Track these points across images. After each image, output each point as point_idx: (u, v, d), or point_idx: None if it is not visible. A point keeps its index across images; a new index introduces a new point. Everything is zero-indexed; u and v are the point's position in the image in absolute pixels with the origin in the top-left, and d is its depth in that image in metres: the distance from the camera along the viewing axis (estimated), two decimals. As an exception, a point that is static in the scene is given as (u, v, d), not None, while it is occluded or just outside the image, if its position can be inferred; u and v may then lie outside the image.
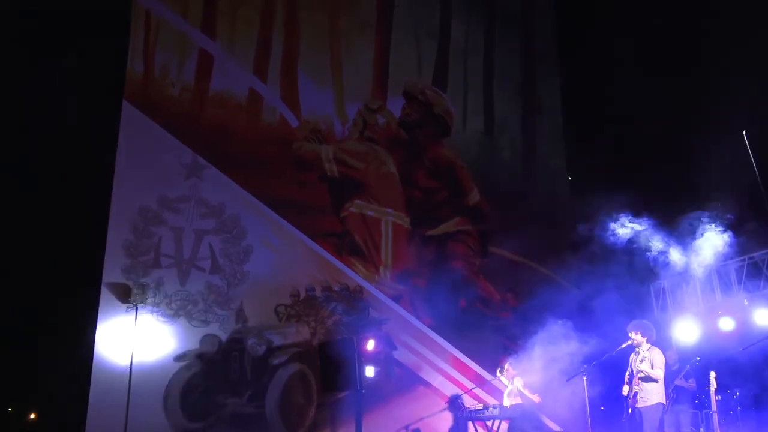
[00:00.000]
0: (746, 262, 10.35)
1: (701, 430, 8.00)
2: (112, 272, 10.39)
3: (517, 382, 10.01)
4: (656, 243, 9.95)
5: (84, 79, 10.96)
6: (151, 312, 10.38)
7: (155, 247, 10.74)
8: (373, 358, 10.62)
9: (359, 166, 12.10)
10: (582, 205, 12.35)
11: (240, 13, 12.12)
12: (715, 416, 8.08)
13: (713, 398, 8.29)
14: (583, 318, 10.45)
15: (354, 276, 11.53)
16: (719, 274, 10.78)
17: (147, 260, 10.65)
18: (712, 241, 9.67)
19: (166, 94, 11.43)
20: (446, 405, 11.08)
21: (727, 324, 9.94)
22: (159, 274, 10.66)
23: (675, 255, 9.96)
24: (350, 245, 11.63)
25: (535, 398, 9.82)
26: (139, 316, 10.22)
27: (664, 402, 7.97)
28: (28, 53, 11.15)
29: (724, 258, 10.54)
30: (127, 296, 10.31)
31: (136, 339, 10.06)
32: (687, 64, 10.78)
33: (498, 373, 10.46)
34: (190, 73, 11.64)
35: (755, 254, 10.19)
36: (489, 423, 9.98)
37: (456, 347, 11.68)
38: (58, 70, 10.81)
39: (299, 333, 10.94)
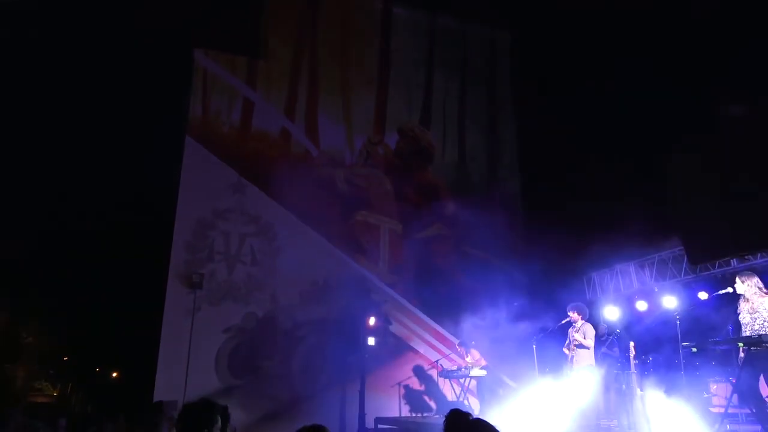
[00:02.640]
0: (656, 259, 10.35)
1: (623, 386, 7.93)
2: (176, 265, 10.37)
3: (474, 353, 9.93)
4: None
5: (158, 121, 10.99)
6: (206, 295, 10.36)
7: (209, 247, 10.71)
8: (373, 331, 10.59)
9: (364, 186, 12.10)
10: (531, 216, 12.42)
11: (274, 70, 12.15)
12: (634, 376, 8.01)
13: (632, 362, 8.24)
14: (533, 301, 10.41)
15: (359, 268, 11.50)
16: (636, 267, 10.78)
17: (203, 256, 10.62)
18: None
19: (218, 131, 11.42)
20: (429, 367, 11.04)
21: (642, 306, 9.92)
22: (212, 266, 10.63)
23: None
24: (357, 245, 11.60)
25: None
26: (197, 298, 10.19)
27: (593, 364, 7.95)
28: (117, 101, 11.17)
29: (641, 255, 10.56)
30: (188, 283, 10.28)
31: (194, 315, 10.04)
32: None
33: (458, 347, 10.40)
34: (236, 115, 11.66)
35: (663, 253, 10.18)
36: (462, 380, 9.94)
37: (437, 323, 11.64)
38: (140, 115, 10.83)
39: (318, 312, 10.89)
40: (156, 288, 10.43)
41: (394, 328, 11.35)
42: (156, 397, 9.52)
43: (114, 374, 20.40)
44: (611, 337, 8.74)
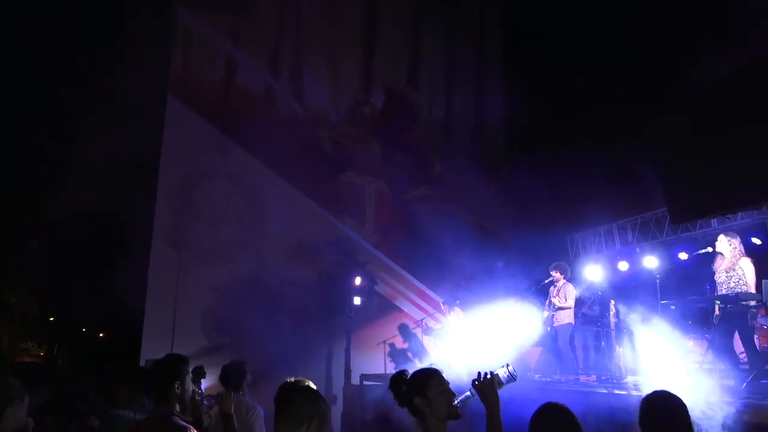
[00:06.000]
0: (639, 221, 10.48)
1: (602, 343, 8.13)
2: (161, 225, 10.29)
3: (458, 312, 10.06)
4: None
5: (139, 78, 10.73)
6: (192, 255, 10.29)
7: (194, 207, 10.62)
8: (359, 291, 10.68)
9: (349, 146, 12.00)
10: (520, 177, 12.39)
11: (258, 27, 11.84)
12: (613, 333, 8.22)
13: (612, 320, 8.43)
14: (517, 261, 10.55)
15: (345, 228, 11.51)
16: (619, 228, 10.91)
17: (187, 216, 10.53)
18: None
19: (201, 89, 11.15)
20: (414, 325, 11.20)
21: (623, 266, 10.07)
22: (197, 227, 10.55)
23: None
24: (342, 205, 11.59)
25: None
26: (182, 258, 10.14)
27: (572, 322, 8.14)
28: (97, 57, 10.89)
29: (624, 217, 10.68)
30: (173, 243, 10.21)
31: (179, 275, 10.01)
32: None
33: (442, 305, 10.53)
34: (219, 73, 11.40)
35: (645, 214, 10.31)
36: (446, 338, 10.10)
37: (422, 282, 11.77)
38: (120, 72, 10.55)
39: (304, 272, 10.90)
40: (141, 248, 10.37)
41: (380, 287, 11.46)
42: (142, 356, 9.58)
43: (100, 334, 20.51)
44: (592, 297, 8.89)
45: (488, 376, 2.52)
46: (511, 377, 2.52)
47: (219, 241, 10.57)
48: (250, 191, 10.98)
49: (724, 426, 3.67)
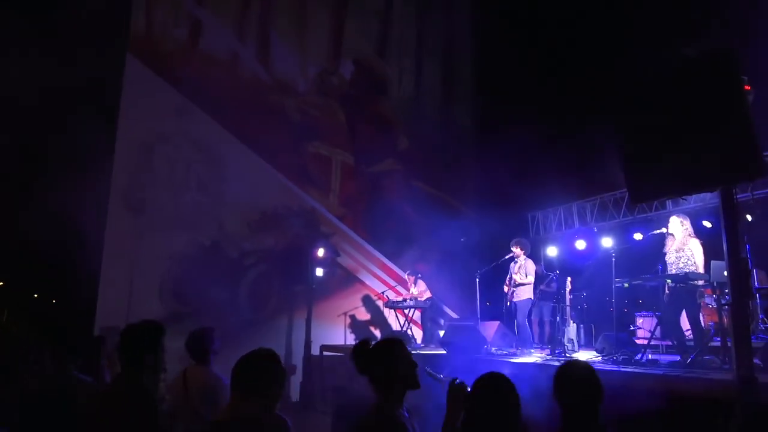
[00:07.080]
0: (597, 201, 10.75)
1: (557, 318, 8.38)
2: (118, 190, 9.97)
3: (420, 285, 10.24)
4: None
5: (96, 35, 10.29)
6: (150, 221, 10.04)
7: (153, 171, 10.34)
8: (321, 262, 10.68)
9: (316, 116, 11.85)
10: (485, 154, 12.51)
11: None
12: (568, 309, 8.50)
13: (567, 296, 8.71)
14: (478, 236, 10.71)
15: (309, 200, 11.44)
16: (578, 208, 11.18)
17: (146, 181, 10.23)
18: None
19: (162, 49, 10.74)
20: (375, 298, 11.31)
21: (580, 245, 10.38)
22: (156, 192, 10.27)
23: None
24: (307, 176, 11.50)
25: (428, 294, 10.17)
26: (140, 224, 9.91)
27: (532, 298, 8.36)
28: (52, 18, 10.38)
29: (582, 197, 10.94)
30: (130, 208, 9.96)
31: (137, 241, 9.80)
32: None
33: (407, 276, 10.69)
34: (182, 34, 10.99)
35: (604, 195, 10.58)
36: (406, 311, 10.26)
37: (384, 255, 11.85)
38: (75, 28, 10.09)
39: (266, 242, 10.84)
40: (97, 212, 10.08)
41: (342, 259, 11.48)
42: (97, 323, 9.40)
43: (53, 300, 19.99)
44: (551, 275, 9.14)
45: (464, 388, 2.54)
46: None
47: (179, 207, 10.33)
48: (212, 158, 10.73)
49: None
